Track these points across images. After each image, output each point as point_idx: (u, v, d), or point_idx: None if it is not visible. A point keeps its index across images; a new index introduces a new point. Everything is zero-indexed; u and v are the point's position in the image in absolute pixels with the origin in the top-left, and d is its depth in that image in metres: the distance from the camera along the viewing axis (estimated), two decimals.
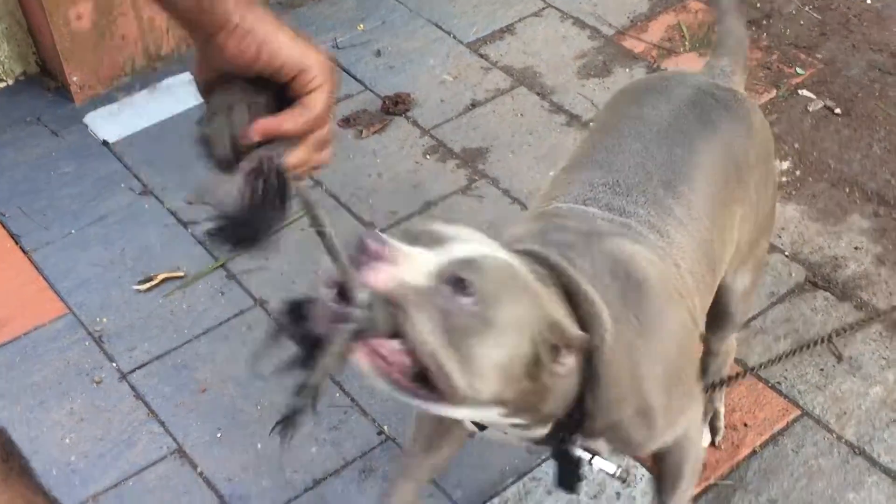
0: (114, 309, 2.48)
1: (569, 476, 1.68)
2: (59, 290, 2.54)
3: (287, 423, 1.19)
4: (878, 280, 2.49)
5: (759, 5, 3.34)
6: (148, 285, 2.53)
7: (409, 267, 1.25)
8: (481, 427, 1.60)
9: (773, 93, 3.02)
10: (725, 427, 2.20)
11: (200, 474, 2.16)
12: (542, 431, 1.52)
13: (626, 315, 1.54)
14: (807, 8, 3.33)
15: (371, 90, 3.07)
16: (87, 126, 3.00)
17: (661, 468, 1.78)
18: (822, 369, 2.29)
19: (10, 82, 3.14)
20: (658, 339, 1.59)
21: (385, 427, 2.21)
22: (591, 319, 1.46)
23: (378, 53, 3.21)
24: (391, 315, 1.21)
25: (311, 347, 1.19)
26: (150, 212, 2.72)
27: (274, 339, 1.22)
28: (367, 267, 1.21)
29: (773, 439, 2.18)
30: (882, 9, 3.28)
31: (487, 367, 1.29)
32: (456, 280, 1.26)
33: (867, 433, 2.18)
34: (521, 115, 2.99)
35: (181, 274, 2.56)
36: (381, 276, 1.21)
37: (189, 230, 2.66)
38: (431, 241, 1.33)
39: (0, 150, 2.93)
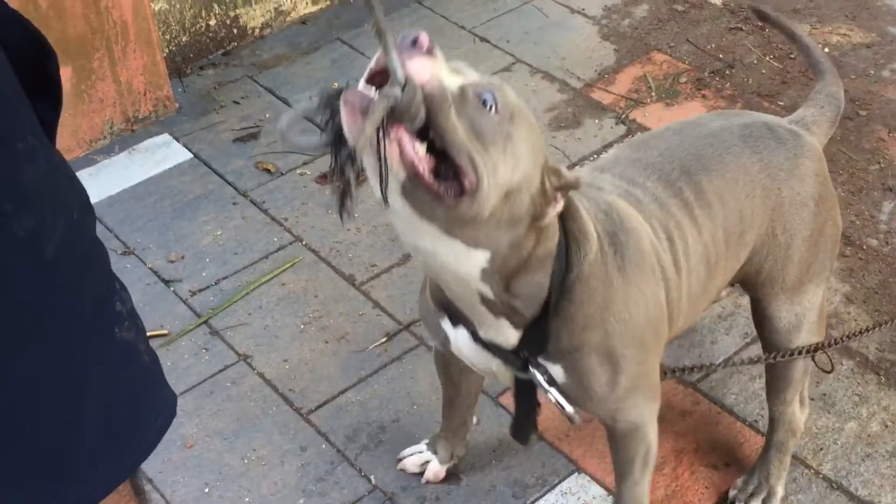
0: None
1: (523, 421, 1.78)
2: None
3: (342, 202, 1.32)
4: (847, 318, 2.55)
5: (721, 56, 3.44)
6: None
7: (447, 74, 1.35)
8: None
9: None
10: (705, 467, 2.24)
11: None
12: (511, 336, 1.60)
13: (612, 250, 1.64)
14: (768, 58, 3.43)
15: None
16: None
17: (615, 458, 1.87)
18: None
19: None
20: (635, 287, 1.66)
21: (372, 477, 2.24)
22: (579, 234, 1.57)
23: None
24: (424, 109, 1.28)
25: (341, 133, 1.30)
26: (132, 271, 2.75)
27: (308, 114, 1.34)
28: (416, 58, 1.30)
29: None
30: (839, 57, 3.39)
31: (504, 177, 1.37)
32: (485, 95, 1.36)
33: (844, 468, 2.23)
34: None
35: (165, 332, 2.58)
36: (426, 70, 1.30)
37: (171, 288, 2.69)
38: (462, 70, 1.43)
39: None
